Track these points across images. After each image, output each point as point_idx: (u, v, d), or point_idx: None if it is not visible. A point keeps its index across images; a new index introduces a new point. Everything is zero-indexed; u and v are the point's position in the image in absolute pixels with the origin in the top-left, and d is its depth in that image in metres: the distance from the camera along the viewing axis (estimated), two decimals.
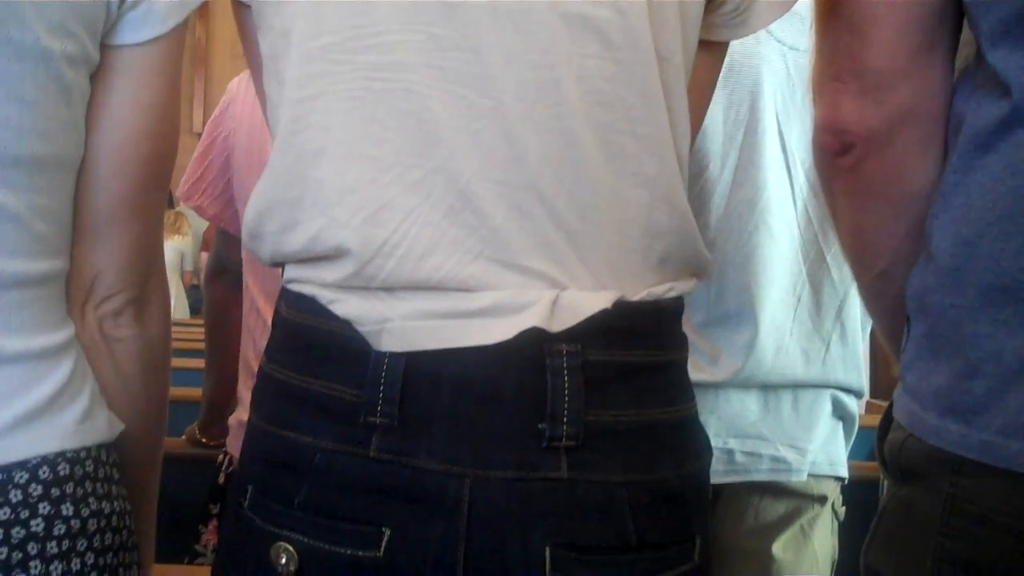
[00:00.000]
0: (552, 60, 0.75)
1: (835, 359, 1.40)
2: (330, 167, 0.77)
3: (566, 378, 0.75)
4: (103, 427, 0.83)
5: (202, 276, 4.27)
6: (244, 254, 1.68)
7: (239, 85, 1.69)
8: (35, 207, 0.77)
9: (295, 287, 0.81)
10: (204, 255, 6.10)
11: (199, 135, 1.81)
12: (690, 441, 0.83)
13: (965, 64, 0.83)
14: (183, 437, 1.98)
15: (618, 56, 0.77)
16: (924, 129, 0.83)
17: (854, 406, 1.46)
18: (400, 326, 0.75)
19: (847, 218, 0.92)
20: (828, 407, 1.43)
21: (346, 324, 0.77)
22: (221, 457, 1.70)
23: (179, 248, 6.39)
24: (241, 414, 1.62)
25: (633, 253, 0.79)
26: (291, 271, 0.82)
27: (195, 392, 1.99)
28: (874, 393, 1.76)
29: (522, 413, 0.75)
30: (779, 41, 1.35)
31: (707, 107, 0.95)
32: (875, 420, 0.89)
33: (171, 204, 6.53)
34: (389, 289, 0.77)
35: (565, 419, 0.74)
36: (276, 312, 0.85)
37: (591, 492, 0.75)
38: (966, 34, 0.83)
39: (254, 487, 0.81)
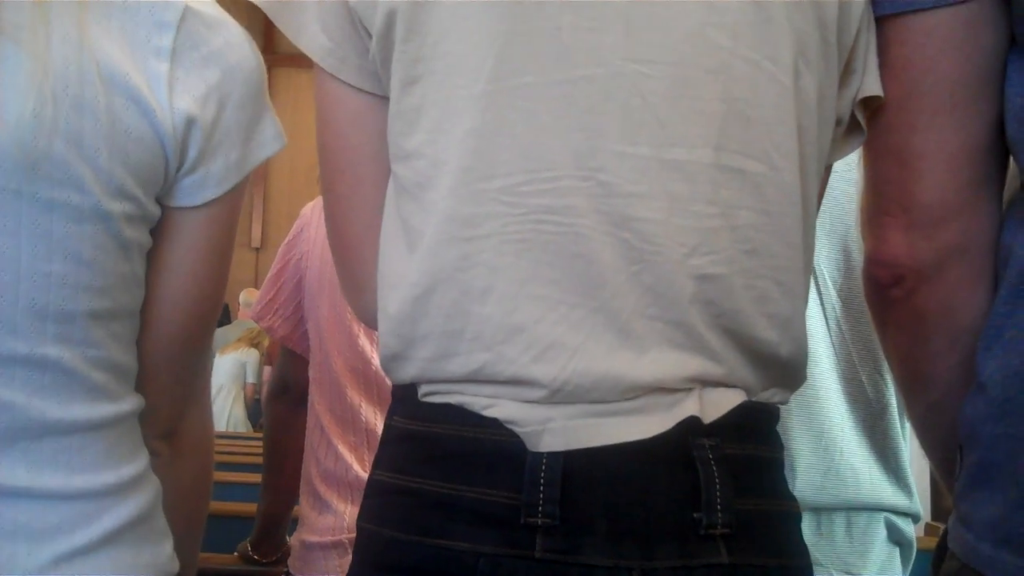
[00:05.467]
0: (712, 210, 0.80)
1: (882, 480, 1.38)
2: (498, 305, 0.79)
3: (714, 469, 0.79)
4: (165, 562, 0.85)
5: (263, 392, 4.24)
6: (311, 374, 1.72)
7: (313, 211, 1.75)
8: (90, 359, 0.80)
9: (437, 399, 0.83)
10: (267, 369, 6.04)
11: (256, 249, 1.87)
12: (802, 535, 0.87)
13: (1012, 197, 0.84)
14: (236, 554, 1.96)
15: (769, 209, 0.82)
16: (974, 263, 0.84)
17: (910, 531, 1.43)
18: (563, 425, 0.78)
19: (899, 350, 0.92)
20: (883, 531, 1.40)
21: (498, 427, 0.80)
22: None
23: (241, 360, 6.37)
24: (304, 534, 1.63)
25: (757, 371, 0.84)
26: (430, 387, 0.84)
27: (251, 507, 1.99)
28: (935, 516, 1.72)
29: (676, 504, 0.78)
30: None
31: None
32: (935, 543, 0.89)
33: (227, 319, 6.56)
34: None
35: (719, 507, 0.78)
36: (392, 426, 0.86)
37: None
38: (1013, 167, 0.85)
39: None
